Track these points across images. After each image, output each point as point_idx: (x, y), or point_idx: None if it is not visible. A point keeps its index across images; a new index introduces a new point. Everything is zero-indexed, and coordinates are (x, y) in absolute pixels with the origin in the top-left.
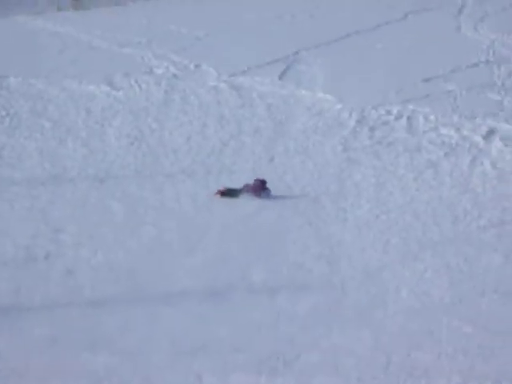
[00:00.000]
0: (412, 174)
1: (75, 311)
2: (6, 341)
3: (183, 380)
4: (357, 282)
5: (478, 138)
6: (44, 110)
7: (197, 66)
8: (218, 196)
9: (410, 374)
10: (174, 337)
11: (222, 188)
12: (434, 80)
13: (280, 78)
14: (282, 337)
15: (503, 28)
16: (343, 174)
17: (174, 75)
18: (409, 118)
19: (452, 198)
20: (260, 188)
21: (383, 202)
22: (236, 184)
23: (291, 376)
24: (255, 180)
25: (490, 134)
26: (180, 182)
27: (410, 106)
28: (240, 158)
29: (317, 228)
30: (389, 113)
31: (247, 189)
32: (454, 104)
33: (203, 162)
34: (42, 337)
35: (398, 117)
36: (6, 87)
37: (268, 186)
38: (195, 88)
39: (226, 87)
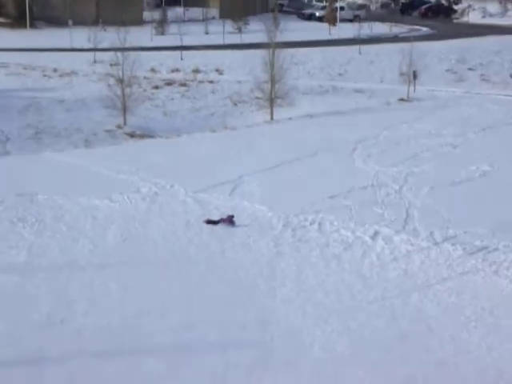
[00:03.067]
0: (322, 262)
1: None
2: None
3: None
4: (283, 340)
5: (367, 238)
6: (62, 217)
7: (171, 186)
8: (205, 223)
9: None
10: None
11: (206, 218)
12: (337, 197)
13: (230, 194)
14: None
15: (383, 163)
16: (273, 262)
17: (155, 193)
18: (319, 223)
19: (350, 280)
20: (231, 220)
21: (301, 283)
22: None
23: None
24: (228, 216)
25: (375, 235)
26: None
27: (321, 215)
28: (197, 249)
29: (254, 301)
30: (305, 219)
31: (223, 220)
32: (350, 214)
33: (175, 253)
34: None
35: (312, 222)
36: (36, 201)
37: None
38: (170, 201)
39: (191, 201)
